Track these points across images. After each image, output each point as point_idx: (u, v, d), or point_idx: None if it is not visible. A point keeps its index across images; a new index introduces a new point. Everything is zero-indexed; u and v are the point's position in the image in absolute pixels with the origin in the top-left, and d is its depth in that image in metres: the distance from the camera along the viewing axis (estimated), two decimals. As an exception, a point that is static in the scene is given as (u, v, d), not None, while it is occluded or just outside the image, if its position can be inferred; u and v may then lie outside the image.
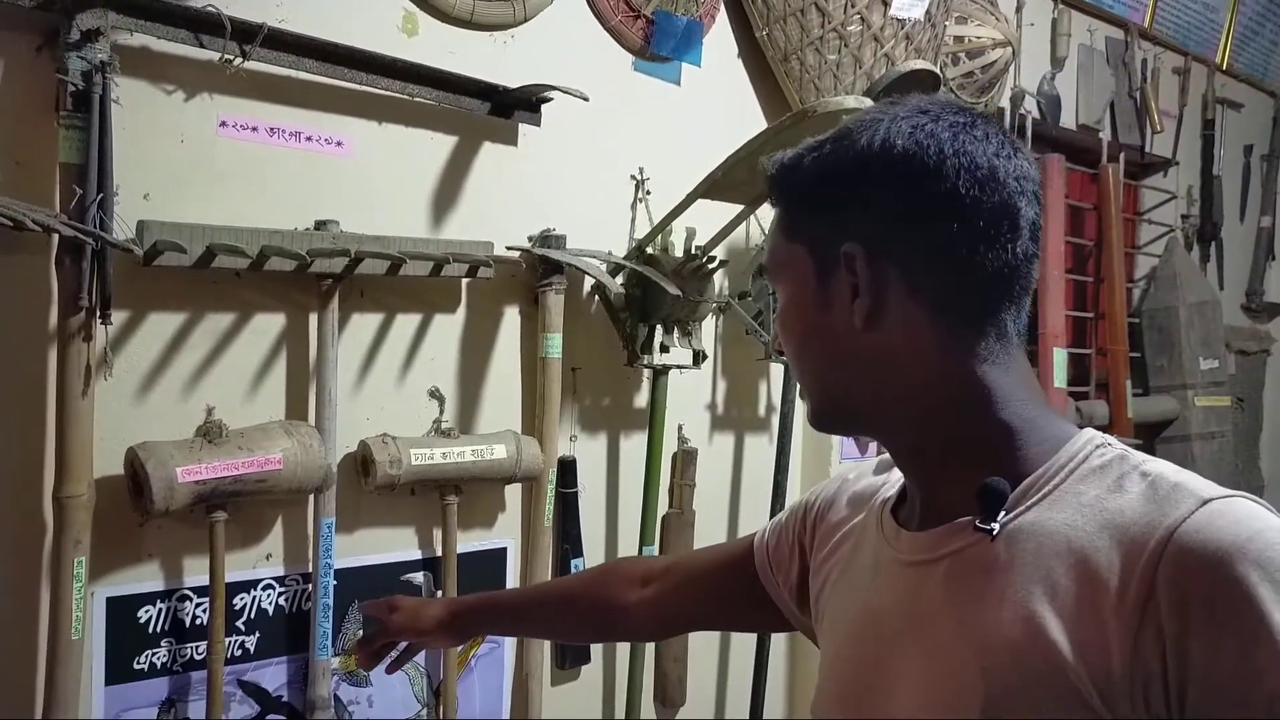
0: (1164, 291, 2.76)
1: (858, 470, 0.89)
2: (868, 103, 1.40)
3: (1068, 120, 2.54)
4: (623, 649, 1.69)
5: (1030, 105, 2.42)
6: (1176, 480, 0.62)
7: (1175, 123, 2.92)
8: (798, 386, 1.83)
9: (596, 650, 1.66)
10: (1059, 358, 2.32)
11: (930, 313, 0.68)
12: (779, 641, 1.92)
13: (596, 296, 1.64)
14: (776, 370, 1.88)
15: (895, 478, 0.80)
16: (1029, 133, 2.36)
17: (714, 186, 1.53)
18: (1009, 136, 0.71)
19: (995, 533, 0.65)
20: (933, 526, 0.70)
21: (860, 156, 0.69)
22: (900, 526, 0.74)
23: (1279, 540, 0.57)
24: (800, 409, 1.93)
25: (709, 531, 1.81)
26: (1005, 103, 2.33)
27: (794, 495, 1.93)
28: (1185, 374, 2.69)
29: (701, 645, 1.81)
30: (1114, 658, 0.58)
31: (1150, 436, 2.74)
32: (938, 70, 1.63)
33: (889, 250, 0.68)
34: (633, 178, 1.69)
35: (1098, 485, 0.65)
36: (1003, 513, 0.66)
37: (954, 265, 0.68)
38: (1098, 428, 2.43)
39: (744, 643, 1.85)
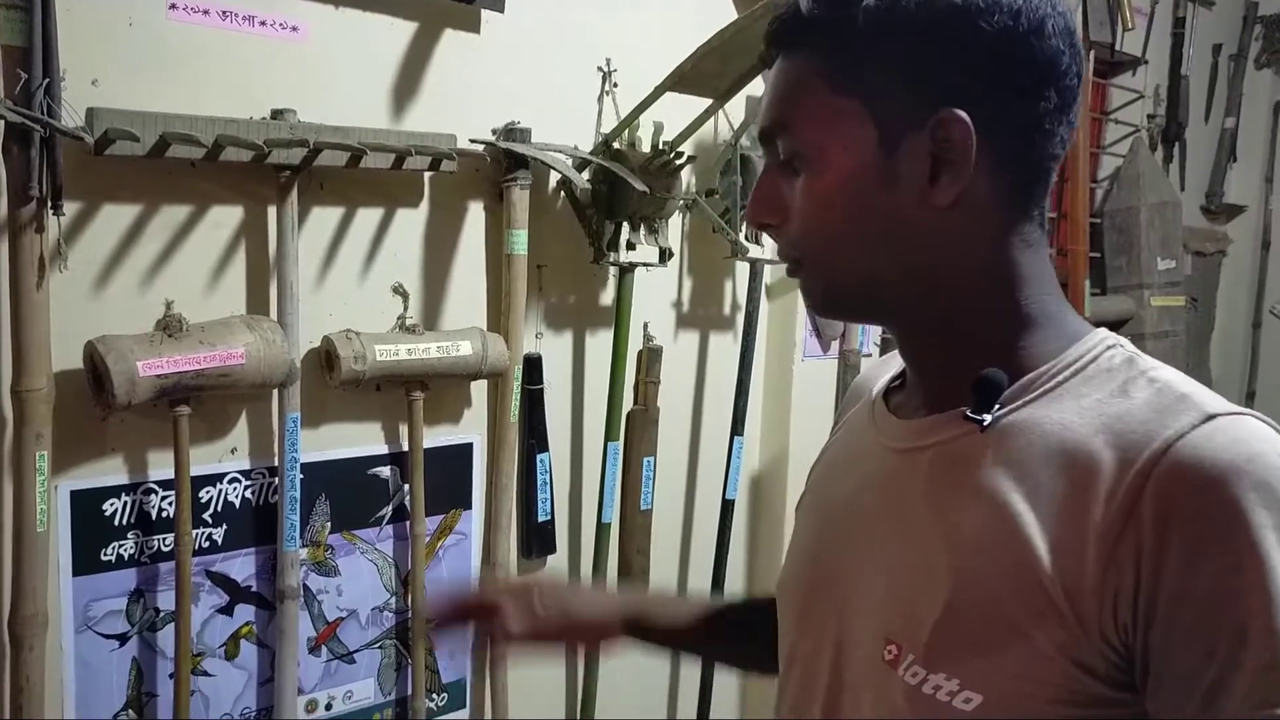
0: (1126, 192, 2.77)
1: (882, 362, 0.83)
2: (840, -6, 1.37)
3: (1040, 16, 2.50)
4: (587, 540, 1.73)
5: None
6: (1184, 391, 0.59)
7: (1146, 20, 2.89)
8: (763, 276, 1.84)
9: (561, 540, 1.69)
10: (1020, 258, 2.34)
11: (1004, 192, 0.63)
12: (739, 530, 1.97)
13: (562, 192, 1.62)
14: (742, 269, 1.88)
15: (895, 365, 0.77)
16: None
17: (683, 79, 1.50)
18: None
19: (985, 424, 0.62)
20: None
21: (961, 4, 0.60)
22: (893, 414, 0.72)
23: (1256, 443, 0.55)
24: (765, 307, 1.95)
25: (673, 428, 1.84)
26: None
27: (756, 392, 1.96)
28: (1143, 274, 2.73)
29: (664, 536, 1.85)
30: (1089, 562, 0.56)
31: (1105, 336, 2.79)
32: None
33: (993, 122, 0.61)
34: (600, 69, 1.65)
35: (1102, 387, 0.62)
36: (998, 406, 0.63)
37: (1037, 142, 0.63)
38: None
39: (705, 536, 1.90)
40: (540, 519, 1.62)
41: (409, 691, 1.51)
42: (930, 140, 0.61)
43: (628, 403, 1.75)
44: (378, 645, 1.49)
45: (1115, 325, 2.76)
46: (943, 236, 0.63)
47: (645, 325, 1.77)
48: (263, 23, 1.28)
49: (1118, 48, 2.78)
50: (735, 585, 1.99)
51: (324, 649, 1.43)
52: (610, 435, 1.67)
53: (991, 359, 0.64)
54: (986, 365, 0.64)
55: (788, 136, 0.65)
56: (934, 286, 0.65)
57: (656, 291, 1.80)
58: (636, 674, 1.83)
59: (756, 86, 1.63)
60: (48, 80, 1.05)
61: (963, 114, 0.60)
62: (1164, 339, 2.75)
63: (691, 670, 1.91)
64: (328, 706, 1.45)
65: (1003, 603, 0.59)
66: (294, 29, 1.31)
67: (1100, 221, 2.81)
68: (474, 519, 1.57)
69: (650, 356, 1.77)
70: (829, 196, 0.63)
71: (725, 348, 1.91)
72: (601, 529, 1.69)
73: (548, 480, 1.63)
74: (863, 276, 0.65)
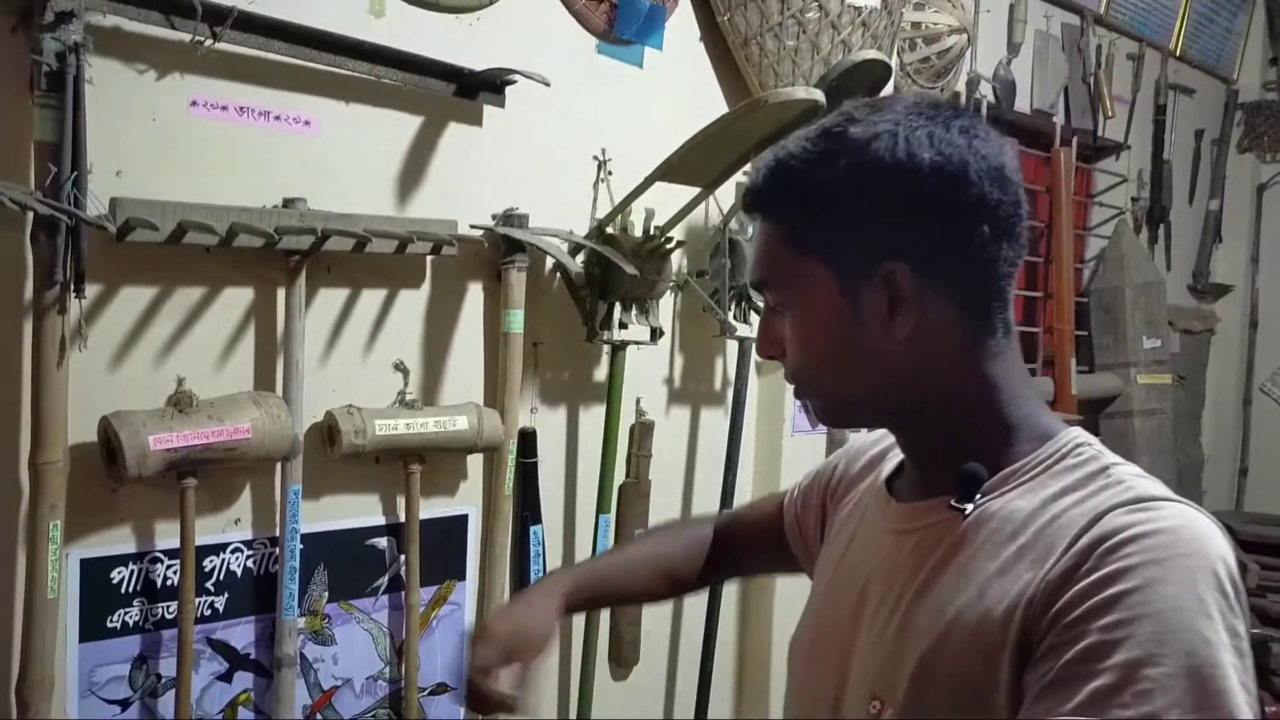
0: (1111, 272, 2.85)
1: (876, 436, 0.94)
2: (818, 94, 1.46)
3: (1022, 105, 2.61)
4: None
5: (986, 90, 2.48)
6: (1131, 483, 0.68)
7: (1128, 108, 3.01)
8: (753, 363, 1.91)
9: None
10: (1006, 336, 2.41)
11: (959, 315, 0.72)
12: (729, 604, 2.00)
13: (558, 274, 1.70)
14: (731, 346, 1.95)
15: (897, 450, 0.86)
16: (984, 116, 2.43)
17: (672, 170, 1.59)
18: (994, 130, 0.74)
19: (967, 513, 0.72)
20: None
21: (886, 171, 0.70)
22: (892, 497, 0.82)
23: (1190, 540, 0.62)
24: (754, 383, 2.01)
25: (665, 500, 1.89)
26: (961, 87, 2.40)
27: (747, 465, 2.01)
28: (1129, 352, 2.80)
29: (655, 608, 1.89)
30: (1039, 624, 0.64)
31: (1095, 412, 2.84)
32: (888, 60, 1.69)
33: (930, 264, 0.71)
34: (595, 158, 1.74)
35: (1066, 479, 0.70)
36: (979, 495, 0.72)
37: (982, 267, 0.72)
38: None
39: (695, 606, 1.93)
40: (533, 590, 1.66)
41: (401, 760, 1.53)
42: (882, 285, 0.71)
43: (620, 476, 1.80)
44: (371, 714, 1.52)
45: (1103, 402, 2.82)
46: (911, 360, 0.73)
47: (638, 401, 1.83)
48: (277, 117, 1.37)
49: (1101, 134, 2.89)
50: (726, 654, 2.02)
51: (319, 717, 1.47)
52: (602, 508, 1.72)
53: (974, 457, 0.73)
54: (970, 461, 0.73)
55: (770, 290, 0.78)
56: (914, 400, 0.75)
57: (649, 368, 1.87)
58: (633, 677, 1.86)
59: (744, 173, 1.72)
60: (76, 173, 1.13)
61: (902, 264, 0.70)
62: (1151, 416, 2.80)
63: (689, 670, 1.92)
64: (321, 774, 1.47)
65: (967, 659, 0.67)
66: (306, 123, 1.40)
67: (1088, 301, 2.89)
68: (467, 590, 1.62)
69: (642, 431, 1.83)
70: (808, 337, 0.76)
71: (716, 422, 1.97)
72: (593, 600, 1.73)
73: (540, 552, 1.67)
74: (846, 396, 0.77)
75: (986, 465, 0.73)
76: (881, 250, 0.71)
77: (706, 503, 1.93)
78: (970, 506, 0.72)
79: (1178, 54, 3.20)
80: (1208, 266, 3.45)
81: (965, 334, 0.73)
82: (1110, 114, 2.80)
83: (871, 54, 1.64)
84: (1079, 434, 0.74)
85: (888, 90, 2.04)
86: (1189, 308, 3.43)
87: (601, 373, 1.77)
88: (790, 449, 2.03)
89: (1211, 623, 0.60)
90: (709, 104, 1.89)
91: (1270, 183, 3.50)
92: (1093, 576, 0.62)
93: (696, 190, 1.68)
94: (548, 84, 1.50)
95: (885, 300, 0.71)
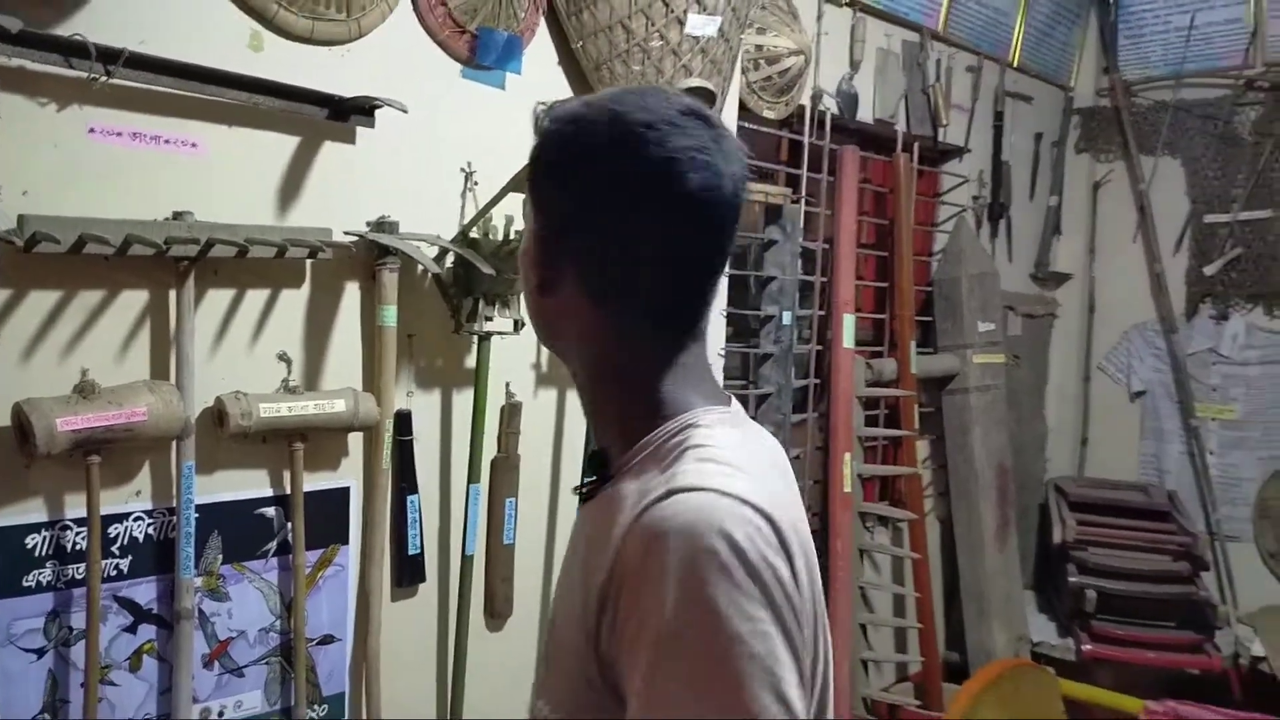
0: (951, 264, 3.18)
1: None
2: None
3: (865, 115, 2.91)
4: (455, 570, 2.00)
5: (829, 103, 2.77)
6: (680, 470, 0.73)
7: (968, 115, 3.33)
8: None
9: (431, 569, 1.96)
10: (848, 322, 2.71)
11: (585, 296, 0.81)
12: None
13: (429, 273, 1.92)
14: (593, 335, 2.19)
15: None
16: (828, 126, 2.72)
17: (522, 183, 1.82)
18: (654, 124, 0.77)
19: (581, 497, 0.82)
20: None
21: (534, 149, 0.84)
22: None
23: (705, 528, 0.67)
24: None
25: (534, 471, 2.13)
26: (806, 101, 2.68)
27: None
28: (965, 335, 3.13)
29: (528, 566, 2.13)
30: (593, 610, 0.71)
31: (937, 389, 3.17)
32: (712, 88, 1.94)
33: (560, 241, 0.82)
34: (462, 170, 1.97)
35: (654, 464, 0.76)
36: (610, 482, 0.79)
37: (605, 248, 0.80)
38: (885, 383, 2.84)
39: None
40: (411, 552, 1.89)
41: (292, 702, 1.75)
42: (533, 258, 0.85)
43: (492, 451, 2.04)
44: (264, 661, 1.73)
45: (944, 380, 3.15)
46: (565, 334, 0.85)
47: (507, 384, 2.07)
48: (167, 141, 1.57)
49: (942, 140, 3.21)
50: None
51: (216, 664, 1.68)
52: (473, 479, 1.95)
53: (620, 439, 0.81)
54: (621, 446, 0.80)
55: None
56: (580, 378, 0.85)
57: (519, 355, 2.10)
58: (508, 679, 2.10)
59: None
60: (-13, 195, 1.32)
61: (540, 239, 0.83)
62: (986, 392, 3.14)
63: None
64: (220, 714, 1.68)
65: (568, 647, 0.76)
66: (194, 145, 1.60)
67: (932, 290, 3.21)
68: (351, 553, 1.84)
69: (511, 411, 2.07)
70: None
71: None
72: (466, 560, 1.96)
73: (417, 518, 1.90)
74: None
75: (626, 447, 0.79)
76: (532, 221, 0.84)
77: (572, 470, 2.18)
78: (583, 492, 0.81)
79: (1016, 65, 3.54)
80: (1048, 257, 3.82)
81: (594, 315, 0.81)
82: (946, 122, 3.12)
83: (697, 82, 1.89)
84: (696, 414, 0.79)
85: (728, 111, 2.31)
86: (1032, 294, 3.79)
87: (472, 360, 2.00)
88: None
89: (718, 618, 0.64)
90: (566, 120, 2.13)
91: (1104, 180, 3.88)
92: (625, 582, 0.69)
93: (550, 199, 1.92)
94: (405, 111, 1.72)
95: (537, 274, 0.83)
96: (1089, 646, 3.06)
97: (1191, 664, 3.04)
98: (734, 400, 0.89)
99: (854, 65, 2.84)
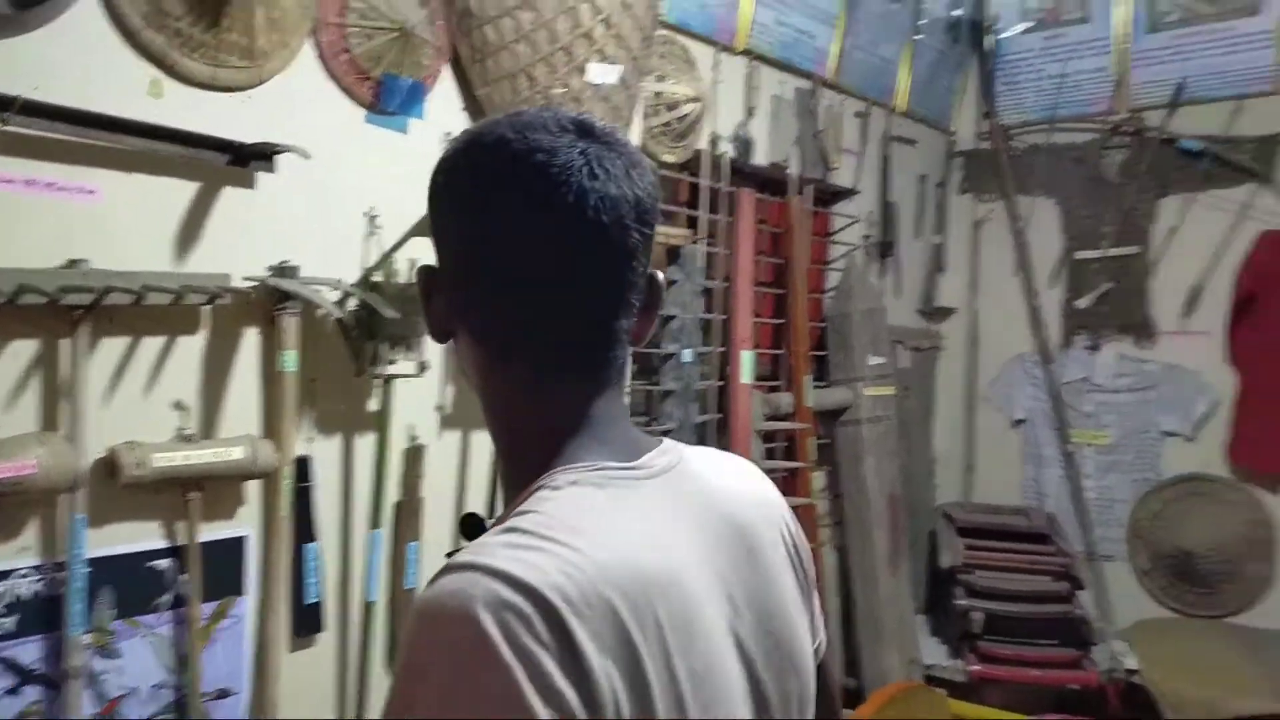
0: (842, 300, 3.30)
1: None
2: (544, 171, 1.75)
3: (761, 159, 3.01)
4: (357, 618, 1.98)
5: (727, 147, 2.86)
6: (479, 544, 0.68)
7: (858, 158, 3.48)
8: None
9: (332, 617, 1.94)
10: (746, 358, 2.79)
11: (477, 344, 0.79)
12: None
13: (330, 317, 1.92)
14: (497, 376, 2.21)
15: None
16: (726, 170, 2.81)
17: (426, 228, 1.84)
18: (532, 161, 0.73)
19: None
20: None
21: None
22: None
23: (434, 599, 0.64)
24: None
25: (438, 515, 2.13)
26: (704, 145, 2.76)
27: (514, 481, 2.27)
28: (857, 369, 3.25)
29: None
30: None
31: (832, 421, 3.28)
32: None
33: (450, 288, 0.79)
34: (365, 215, 1.97)
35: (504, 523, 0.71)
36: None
37: (478, 289, 0.77)
38: (782, 416, 2.90)
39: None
40: (309, 601, 1.87)
41: (188, 758, 1.71)
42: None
43: (395, 495, 2.03)
44: (157, 719, 1.69)
45: (838, 412, 3.26)
46: (474, 384, 0.83)
47: (410, 427, 2.07)
48: (62, 188, 1.54)
49: (832, 182, 3.34)
50: None
51: (107, 723, 1.63)
52: (375, 524, 1.95)
53: (510, 494, 0.78)
54: (509, 498, 0.77)
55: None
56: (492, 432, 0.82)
57: (423, 398, 2.11)
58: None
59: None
60: None
61: (438, 287, 0.81)
62: (877, 423, 3.26)
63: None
64: (110, 775, 1.63)
65: None
66: (90, 192, 1.57)
67: (826, 325, 3.33)
68: (248, 603, 1.81)
69: (414, 454, 2.07)
70: None
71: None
72: (367, 607, 1.95)
73: (317, 566, 1.88)
74: None
75: (505, 506, 0.75)
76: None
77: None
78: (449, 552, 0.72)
79: (902, 111, 3.71)
80: (934, 292, 3.99)
81: (483, 360, 0.79)
82: (835, 165, 3.25)
83: (599, 131, 1.94)
84: (555, 474, 0.74)
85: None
86: (919, 328, 3.96)
87: (375, 404, 2.00)
88: (552, 464, 2.31)
89: (477, 697, 0.60)
90: (470, 165, 2.15)
91: (984, 219, 4.08)
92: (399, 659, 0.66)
93: (454, 244, 1.94)
94: (307, 157, 1.73)
95: (428, 322, 0.82)
96: (977, 667, 3.19)
97: (1071, 680, 3.19)
98: (659, 449, 0.82)
99: (749, 111, 2.94)
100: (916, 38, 3.67)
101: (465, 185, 0.77)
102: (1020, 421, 4.03)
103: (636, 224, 0.77)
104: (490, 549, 0.67)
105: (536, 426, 0.78)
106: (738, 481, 0.87)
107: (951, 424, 4.11)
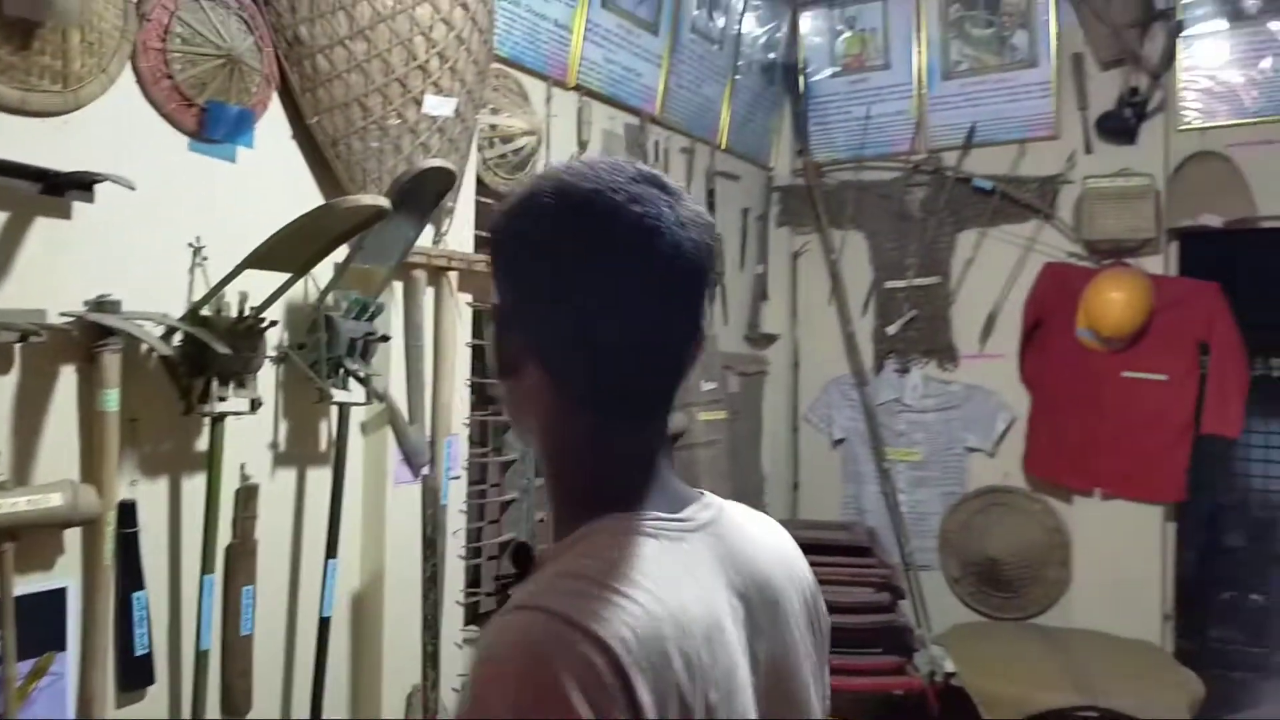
0: (675, 329, 3.41)
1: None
2: (384, 201, 1.75)
3: (594, 190, 3.08)
4: (189, 668, 1.88)
5: (560, 179, 2.91)
6: (541, 584, 0.74)
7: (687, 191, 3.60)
8: (356, 422, 2.11)
9: (161, 669, 1.83)
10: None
11: (546, 381, 0.80)
12: (341, 648, 2.20)
13: (155, 353, 1.82)
14: (335, 410, 2.16)
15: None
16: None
17: (261, 259, 1.79)
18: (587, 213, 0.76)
19: (508, 587, 0.88)
20: None
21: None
22: None
23: (523, 650, 0.68)
24: (359, 441, 2.24)
25: (272, 558, 2.05)
26: (538, 177, 2.80)
27: (354, 518, 2.22)
28: (692, 395, 3.35)
29: (267, 658, 2.04)
30: None
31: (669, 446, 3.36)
32: (451, 167, 2.01)
33: (520, 329, 0.81)
34: (190, 245, 1.89)
35: (548, 566, 0.76)
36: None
37: (551, 335, 0.79)
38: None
39: (309, 655, 2.10)
40: (138, 653, 1.76)
41: (-2, 835, 1.57)
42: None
43: (227, 538, 1.94)
44: (-36, 793, 1.55)
45: (675, 437, 3.34)
46: (524, 420, 0.85)
47: (242, 466, 1.99)
48: None
49: (662, 213, 3.44)
50: (338, 699, 2.20)
51: (-97, 804, 1.48)
52: (206, 569, 1.86)
53: (554, 535, 0.81)
54: (552, 541, 0.80)
55: None
56: (539, 459, 0.85)
57: (254, 436, 2.03)
58: None
59: (339, 255, 1.96)
60: None
61: (510, 331, 0.83)
62: (711, 446, 3.38)
63: (302, 711, 2.08)
64: None
65: None
66: (-123, 221, 1.45)
67: (659, 353, 3.42)
68: (69, 659, 1.68)
69: (246, 494, 1.99)
70: None
71: (321, 481, 2.17)
72: (200, 656, 1.85)
73: (145, 615, 1.78)
74: None
75: (556, 542, 0.78)
76: (495, 305, 0.84)
77: (315, 556, 2.12)
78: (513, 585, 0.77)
79: (724, 147, 3.88)
80: (758, 319, 4.17)
81: (551, 395, 0.80)
82: (666, 198, 3.35)
83: (438, 162, 1.95)
84: (610, 520, 0.78)
85: (465, 188, 2.38)
86: (746, 354, 4.13)
87: (203, 443, 1.91)
88: (393, 499, 2.27)
89: None
90: (303, 193, 2.11)
91: (802, 250, 4.31)
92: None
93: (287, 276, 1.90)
94: (132, 188, 1.65)
95: (498, 357, 0.84)
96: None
97: (896, 685, 3.38)
98: (701, 503, 0.85)
99: (582, 145, 3.01)
100: (736, 78, 3.86)
101: (555, 234, 0.77)
102: (840, 441, 4.25)
103: (710, 272, 0.81)
104: (557, 594, 0.71)
105: (599, 472, 0.81)
106: (767, 540, 0.91)
107: (777, 445, 4.30)
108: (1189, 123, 3.59)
